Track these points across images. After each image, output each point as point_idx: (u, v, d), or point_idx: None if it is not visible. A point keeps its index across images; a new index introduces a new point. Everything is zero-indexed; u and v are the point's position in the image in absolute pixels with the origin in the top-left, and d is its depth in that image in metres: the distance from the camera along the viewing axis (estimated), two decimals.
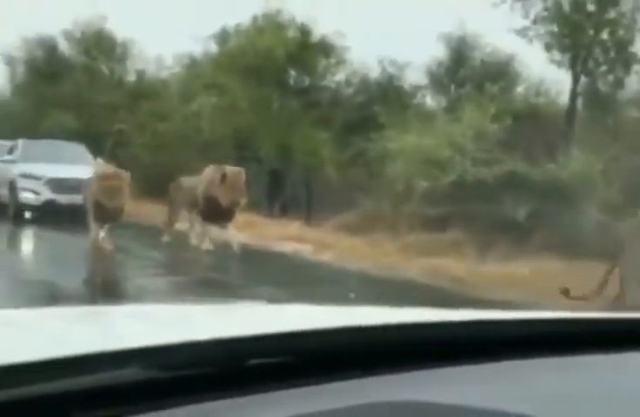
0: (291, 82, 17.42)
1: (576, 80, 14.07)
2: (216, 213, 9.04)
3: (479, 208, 10.08)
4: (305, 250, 9.60)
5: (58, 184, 12.31)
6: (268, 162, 15.66)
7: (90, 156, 13.47)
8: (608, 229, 10.97)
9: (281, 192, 16.21)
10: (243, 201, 9.01)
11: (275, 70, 16.14)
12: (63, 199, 12.23)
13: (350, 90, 17.96)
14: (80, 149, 13.89)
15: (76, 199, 11.94)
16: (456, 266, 8.28)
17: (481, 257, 9.00)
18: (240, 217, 11.89)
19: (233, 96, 16.10)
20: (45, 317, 1.09)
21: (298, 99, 16.94)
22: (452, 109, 14.34)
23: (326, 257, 8.79)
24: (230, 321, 1.12)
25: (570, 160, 11.80)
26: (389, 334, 0.89)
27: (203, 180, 9.37)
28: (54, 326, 1.02)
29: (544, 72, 15.72)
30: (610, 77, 14.30)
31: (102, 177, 8.37)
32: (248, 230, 10.48)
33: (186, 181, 10.18)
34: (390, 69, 17.58)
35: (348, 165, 14.68)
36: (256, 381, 0.79)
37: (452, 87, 17.30)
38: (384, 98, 16.48)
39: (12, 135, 15.26)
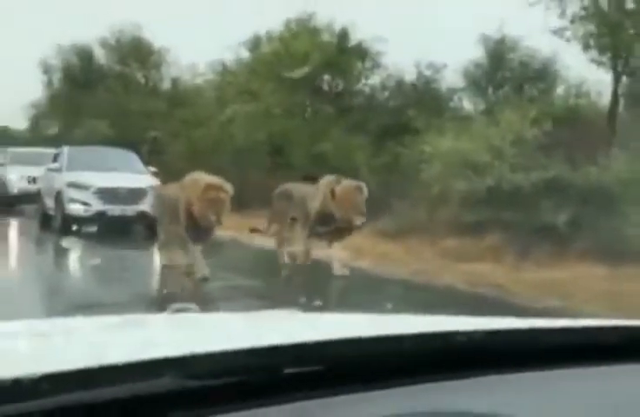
0: (325, 87, 17.47)
1: (617, 80, 13.84)
2: (327, 232, 8.17)
3: (518, 214, 9.95)
4: (342, 257, 9.59)
5: (109, 194, 11.31)
6: (301, 167, 15.69)
7: (141, 164, 12.77)
8: None
9: None
10: (360, 220, 7.96)
11: (309, 76, 16.20)
12: (115, 210, 11.29)
13: (386, 94, 17.94)
14: (130, 156, 13.03)
15: (129, 210, 11.27)
16: (495, 272, 8.20)
17: (520, 263, 8.90)
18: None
19: (266, 103, 16.19)
20: (85, 326, 1.11)
21: (332, 104, 16.97)
22: (490, 111, 14.23)
23: (364, 264, 8.77)
24: (265, 329, 1.13)
25: (612, 162, 11.59)
26: (422, 342, 0.89)
27: (319, 191, 8.32)
28: (94, 334, 1.04)
29: (585, 73, 15.53)
30: None
31: (206, 188, 7.26)
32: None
33: (297, 189, 8.94)
34: (427, 72, 17.54)
35: (383, 170, 14.65)
36: (292, 390, 0.79)
37: (490, 89, 17.18)
38: (420, 102, 16.43)
39: (48, 143, 15.57)
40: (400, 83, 17.51)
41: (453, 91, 17.63)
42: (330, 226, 8.08)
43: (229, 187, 7.45)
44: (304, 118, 16.95)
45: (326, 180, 8.46)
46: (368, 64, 17.28)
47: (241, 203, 15.91)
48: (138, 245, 10.59)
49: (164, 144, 17.46)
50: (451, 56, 22.22)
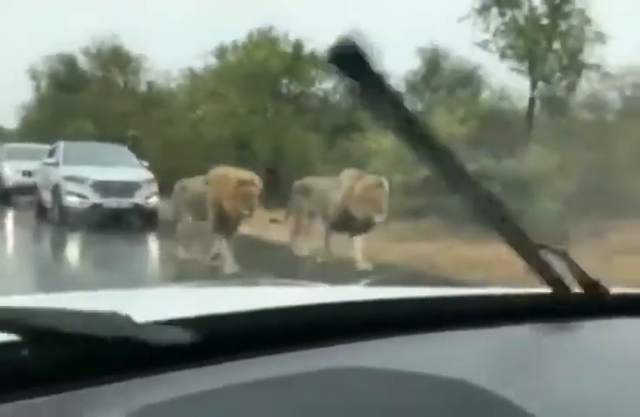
0: (284, 90, 17.42)
1: (533, 85, 14.14)
2: (347, 227, 7.24)
3: (451, 201, 10.11)
4: (283, 238, 9.39)
5: (105, 187, 10.57)
6: (264, 161, 15.68)
7: (135, 158, 11.93)
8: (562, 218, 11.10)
9: (276, 188, 16.24)
10: (380, 218, 7.07)
11: (269, 80, 16.13)
12: (111, 203, 10.56)
13: (337, 97, 17.96)
14: (124, 151, 12.21)
15: (124, 203, 10.60)
16: (430, 250, 8.32)
17: (452, 243, 9.07)
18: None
19: (232, 104, 16.09)
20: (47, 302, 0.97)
21: (291, 105, 16.94)
22: (427, 112, 14.38)
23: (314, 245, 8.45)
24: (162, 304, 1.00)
25: (528, 156, 11.88)
26: (333, 311, 0.85)
27: (342, 186, 7.35)
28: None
29: (506, 79, 15.80)
30: (564, 83, 14.38)
31: (239, 184, 6.46)
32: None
33: (317, 183, 8.00)
34: None
35: (335, 163, 14.72)
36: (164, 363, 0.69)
37: (427, 93, 17.34)
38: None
39: (39, 141, 15.21)
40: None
41: None
42: (349, 222, 7.13)
43: (258, 180, 6.69)
44: (266, 117, 16.88)
45: (347, 174, 7.52)
46: (321, 71, 17.28)
47: None
48: (133, 236, 10.13)
49: (142, 141, 17.22)
50: (393, 65, 22.32)
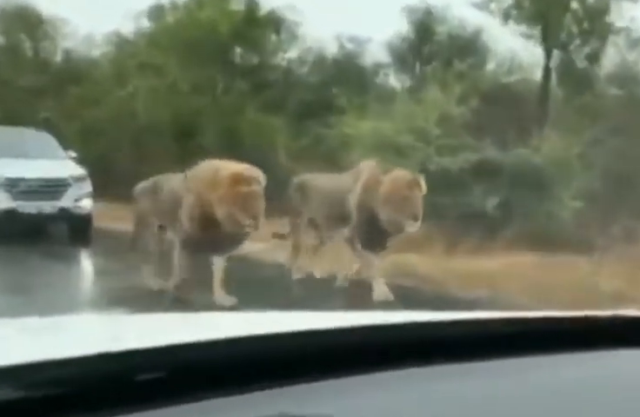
0: (238, 60, 17.44)
1: (548, 54, 14.38)
2: (373, 237, 6.83)
3: (445, 200, 10.25)
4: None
5: (19, 187, 9.77)
6: (213, 150, 15.67)
7: (59, 148, 11.10)
8: (585, 219, 11.32)
9: None
10: (414, 226, 6.60)
11: (218, 48, 16.14)
12: (28, 208, 9.73)
13: (305, 70, 18.04)
14: (46, 138, 11.28)
15: (46, 207, 9.82)
16: (421, 262, 8.43)
17: (448, 252, 9.19)
18: None
19: (172, 78, 16.05)
20: None
21: (246, 80, 16.97)
22: (418, 89, 14.54)
23: (283, 256, 8.39)
24: (133, 332, 1.13)
25: (543, 143, 12.08)
26: (270, 343, 0.92)
27: (360, 183, 6.98)
28: None
29: (516, 47, 16.04)
30: (586, 50, 14.66)
31: (234, 180, 5.90)
32: None
33: (321, 180, 7.62)
34: (349, 46, 17.72)
35: (304, 153, 14.79)
36: (144, 398, 0.81)
37: (417, 65, 17.52)
38: (343, 78, 16.61)
39: None
40: (320, 58, 17.65)
41: (378, 67, 17.89)
42: (371, 232, 6.77)
43: (262, 175, 6.06)
44: (215, 95, 16.85)
45: (368, 167, 7.12)
46: (284, 36, 17.34)
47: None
48: (58, 252, 9.31)
49: (56, 126, 17.08)
50: (376, 29, 22.53)
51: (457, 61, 16.14)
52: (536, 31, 14.27)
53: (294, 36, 17.45)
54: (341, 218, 7.14)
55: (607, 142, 13.44)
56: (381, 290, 6.68)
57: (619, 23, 14.49)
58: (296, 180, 7.97)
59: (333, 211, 7.24)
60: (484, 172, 10.98)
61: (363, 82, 16.87)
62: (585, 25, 14.28)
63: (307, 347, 0.93)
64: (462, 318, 1.12)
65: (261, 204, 5.95)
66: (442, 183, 10.07)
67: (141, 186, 7.34)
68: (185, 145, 15.73)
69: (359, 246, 7.02)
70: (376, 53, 17.69)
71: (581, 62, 14.97)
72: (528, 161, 11.68)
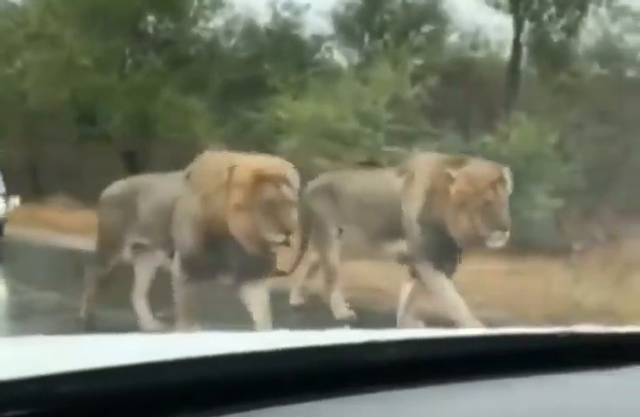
0: (151, 30, 17.36)
1: (518, 27, 14.65)
2: (441, 255, 6.20)
3: None
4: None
5: None
6: (120, 139, 15.55)
7: None
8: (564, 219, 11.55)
9: None
10: (502, 239, 5.96)
11: (126, 15, 16.04)
12: None
13: (232, 42, 18.04)
14: None
15: None
16: (374, 271, 8.48)
17: None
18: (83, 214, 11.72)
19: (70, 51, 15.90)
20: None
21: (161, 54, 16.90)
22: (366, 66, 14.65)
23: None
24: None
25: (512, 130, 12.29)
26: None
27: (414, 184, 6.39)
28: None
29: (483, 18, 16.31)
30: (562, 22, 14.97)
31: (257, 179, 5.33)
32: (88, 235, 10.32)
33: (355, 181, 6.98)
34: (285, 14, 17.75)
35: (230, 141, 14.78)
36: None
37: (366, 37, 17.65)
38: (277, 52, 16.65)
39: None
40: (251, 28, 17.66)
41: (319, 39, 17.96)
42: (439, 247, 6.17)
43: (293, 172, 5.45)
44: (123, 72, 16.76)
45: (426, 161, 6.49)
46: (207, 1, 17.32)
47: (37, 189, 15.57)
48: None
49: None
50: None
51: (414, 33, 16.35)
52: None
53: (219, 2, 17.42)
54: (389, 231, 6.45)
55: (588, 128, 13.73)
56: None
57: None
58: (318, 181, 7.25)
59: (376, 222, 6.56)
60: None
61: (302, 58, 16.93)
62: None
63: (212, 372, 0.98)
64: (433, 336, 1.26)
65: (294, 213, 5.31)
66: None
67: (110, 192, 6.61)
68: (87, 133, 15.58)
69: (423, 267, 6.30)
70: (317, 23, 17.78)
71: (557, 36, 15.27)
72: (494, 151, 11.86)
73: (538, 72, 15.59)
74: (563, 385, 1.15)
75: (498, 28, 15.76)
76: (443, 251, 6.15)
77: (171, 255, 5.86)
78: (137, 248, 6.33)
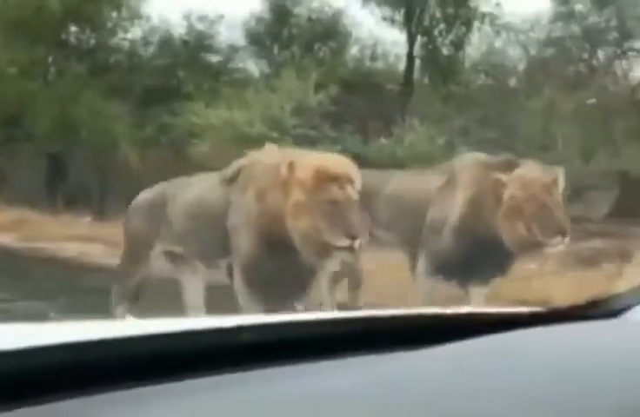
0: (73, 41, 17.18)
1: (411, 41, 15.10)
2: (486, 264, 5.63)
3: None
4: (94, 252, 9.67)
5: None
6: (44, 141, 15.40)
7: None
8: None
9: (64, 180, 16.03)
10: (560, 243, 5.43)
11: (49, 26, 15.86)
12: None
13: (150, 51, 17.98)
14: None
15: None
16: None
17: None
18: (8, 214, 11.66)
19: None
20: None
21: (83, 62, 16.75)
22: (275, 75, 14.86)
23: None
24: None
25: (406, 134, 12.71)
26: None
27: (461, 187, 5.69)
28: None
29: (381, 32, 16.67)
30: (451, 37, 15.48)
31: (321, 179, 4.70)
32: (18, 230, 10.32)
33: (398, 181, 6.23)
34: (199, 26, 17.80)
35: (148, 144, 14.81)
36: None
37: (275, 49, 17.81)
38: (192, 61, 16.71)
39: None
40: (167, 38, 17.64)
41: (233, 50, 18.05)
42: (486, 256, 5.52)
43: (356, 171, 4.86)
44: (47, 79, 16.56)
45: (470, 163, 5.80)
46: (125, 14, 17.23)
47: None
48: None
49: None
50: (229, 7, 22.64)
51: (318, 46, 16.62)
52: (399, 16, 14.95)
53: (137, 14, 17.36)
54: (429, 237, 5.76)
55: (474, 132, 14.22)
56: None
57: (484, 8, 15.39)
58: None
59: (409, 229, 5.87)
60: None
61: (215, 67, 17.03)
62: (450, 10, 15.07)
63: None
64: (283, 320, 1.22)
65: (359, 216, 4.71)
66: None
67: (137, 201, 5.96)
68: (11, 135, 15.37)
69: (458, 279, 5.73)
70: (230, 35, 17.87)
71: (446, 50, 15.76)
72: (390, 153, 12.27)
73: (430, 82, 16.07)
74: (386, 364, 1.10)
75: (394, 42, 16.18)
76: (491, 259, 5.57)
77: (228, 267, 5.10)
78: (175, 258, 5.59)
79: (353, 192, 4.69)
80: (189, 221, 5.38)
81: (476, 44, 16.32)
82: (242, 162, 5.25)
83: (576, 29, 16.08)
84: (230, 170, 5.24)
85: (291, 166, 4.65)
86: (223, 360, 1.00)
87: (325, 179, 4.62)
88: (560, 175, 5.55)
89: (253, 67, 17.95)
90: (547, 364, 1.12)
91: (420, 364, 1.12)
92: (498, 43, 16.50)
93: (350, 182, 4.70)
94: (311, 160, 4.80)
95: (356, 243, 4.60)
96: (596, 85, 15.43)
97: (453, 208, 5.65)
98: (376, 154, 12.23)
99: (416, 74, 15.98)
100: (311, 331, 1.17)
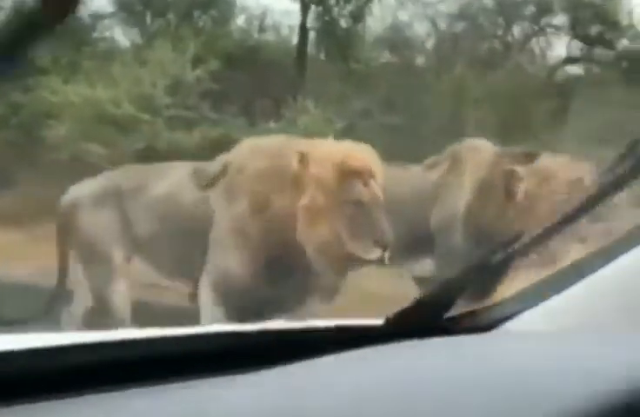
0: None
1: (305, 11, 14.91)
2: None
3: None
4: None
5: None
6: None
7: None
8: None
9: None
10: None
11: None
12: None
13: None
14: None
15: None
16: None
17: None
18: None
19: None
20: None
21: None
22: (147, 47, 14.45)
23: None
24: None
25: (299, 116, 12.55)
26: None
27: (466, 180, 5.47)
28: None
29: (271, 0, 16.44)
30: (349, 8, 15.37)
31: (343, 174, 4.29)
32: None
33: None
34: None
35: None
36: None
37: (148, 16, 17.38)
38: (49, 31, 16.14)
39: None
40: (19, 1, 17.00)
41: (98, 18, 17.50)
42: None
43: (380, 164, 4.45)
44: None
45: (474, 151, 5.62)
46: None
47: None
48: None
49: None
50: None
51: (198, 14, 16.31)
52: None
53: None
54: (414, 242, 5.39)
55: (377, 115, 14.17)
56: None
57: None
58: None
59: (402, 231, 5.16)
60: (227, 150, 11.20)
61: (76, 35, 16.44)
62: None
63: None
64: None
65: (387, 219, 4.23)
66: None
67: (83, 194, 5.41)
68: None
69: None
70: (95, 0, 17.31)
71: (344, 22, 15.65)
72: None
73: (326, 58, 15.95)
74: (229, 386, 1.16)
75: (286, 12, 15.97)
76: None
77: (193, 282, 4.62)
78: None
79: (379, 190, 4.27)
80: (156, 224, 4.88)
81: (378, 17, 16.28)
82: (228, 157, 4.72)
83: (489, 2, 16.26)
84: (211, 168, 4.73)
85: (303, 158, 4.18)
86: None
87: (347, 174, 4.22)
88: (588, 169, 5.10)
89: (122, 37, 17.44)
90: (398, 382, 1.14)
91: (259, 386, 1.15)
92: (404, 17, 16.52)
93: (374, 176, 4.33)
94: (327, 150, 4.35)
95: (387, 254, 4.14)
96: (510, 64, 15.61)
97: (456, 199, 5.42)
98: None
99: (311, 49, 15.82)
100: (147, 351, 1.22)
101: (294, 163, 4.15)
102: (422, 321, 1.44)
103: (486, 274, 1.44)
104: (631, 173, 1.29)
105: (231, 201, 4.47)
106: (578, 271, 1.43)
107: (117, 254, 5.22)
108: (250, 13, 17.22)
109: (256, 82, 13.41)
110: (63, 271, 5.60)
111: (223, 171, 4.70)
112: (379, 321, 1.44)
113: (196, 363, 1.17)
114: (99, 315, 5.25)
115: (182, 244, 4.65)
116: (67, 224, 5.67)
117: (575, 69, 16.72)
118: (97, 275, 5.39)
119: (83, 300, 5.46)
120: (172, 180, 4.95)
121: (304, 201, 4.20)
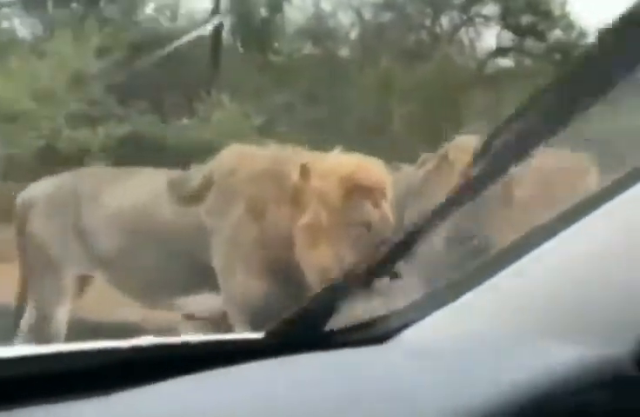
0: None
1: None
2: None
3: None
4: None
5: None
6: None
7: None
8: None
9: None
10: None
11: None
12: None
13: None
14: None
15: None
16: None
17: None
18: None
19: None
20: None
21: None
22: (48, 38, 14.25)
23: None
24: None
25: (214, 111, 12.50)
26: None
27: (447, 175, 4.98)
28: None
29: None
30: None
31: (350, 191, 4.01)
32: None
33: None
34: None
35: None
36: None
37: (50, 5, 17.16)
38: None
39: None
40: None
41: None
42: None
43: (389, 179, 4.18)
44: None
45: (463, 147, 5.06)
46: None
47: None
48: None
49: None
50: None
51: (104, 2, 16.15)
52: None
53: None
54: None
55: (298, 110, 14.18)
56: None
57: None
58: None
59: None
60: (138, 149, 11.10)
61: None
62: None
63: None
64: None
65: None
66: (76, 163, 10.01)
67: (37, 194, 5.11)
68: None
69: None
70: None
71: (262, 11, 15.65)
72: (194, 135, 12.03)
73: (243, 50, 15.92)
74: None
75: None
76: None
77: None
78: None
79: (390, 211, 4.02)
80: (122, 238, 4.59)
81: (299, 6, 16.32)
82: (213, 166, 4.35)
83: None
84: (192, 179, 4.38)
85: (305, 171, 3.91)
86: None
87: (355, 191, 3.96)
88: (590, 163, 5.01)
89: (21, 28, 17.18)
90: (266, 400, 1.13)
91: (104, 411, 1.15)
92: (326, 6, 16.57)
93: (385, 196, 4.05)
94: (333, 163, 4.07)
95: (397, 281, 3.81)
96: (439, 56, 15.75)
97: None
98: (175, 136, 11.97)
99: (227, 40, 15.75)
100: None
101: (294, 176, 3.96)
102: (305, 333, 1.43)
103: (370, 281, 1.43)
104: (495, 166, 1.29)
105: (218, 216, 4.26)
106: (474, 278, 1.43)
107: (68, 271, 4.96)
108: (161, 1, 17.17)
109: (166, 75, 13.31)
110: (24, 282, 5.36)
111: (207, 184, 4.40)
112: (260, 335, 1.42)
113: (54, 383, 1.16)
114: (37, 336, 5.10)
115: (160, 264, 4.43)
116: (21, 227, 5.31)
117: (506, 62, 16.94)
118: (43, 292, 5.11)
119: (28, 316, 5.28)
120: (142, 189, 4.67)
121: (303, 219, 4.00)
